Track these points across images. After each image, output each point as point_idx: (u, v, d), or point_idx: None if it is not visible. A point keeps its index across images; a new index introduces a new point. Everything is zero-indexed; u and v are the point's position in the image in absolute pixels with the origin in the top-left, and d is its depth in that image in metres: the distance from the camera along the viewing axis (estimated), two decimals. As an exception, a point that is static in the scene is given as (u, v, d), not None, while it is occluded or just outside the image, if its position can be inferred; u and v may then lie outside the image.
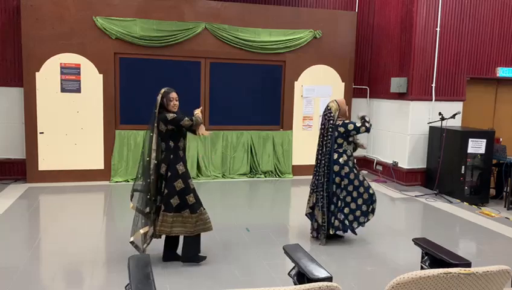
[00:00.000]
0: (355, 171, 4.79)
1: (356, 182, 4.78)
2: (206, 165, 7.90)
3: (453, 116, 7.16)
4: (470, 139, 6.91)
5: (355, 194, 4.78)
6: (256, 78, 8.17)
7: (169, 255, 4.20)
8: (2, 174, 7.30)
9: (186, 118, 3.99)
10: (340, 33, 8.39)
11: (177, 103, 4.07)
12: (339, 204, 4.74)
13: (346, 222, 4.77)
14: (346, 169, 4.72)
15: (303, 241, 4.82)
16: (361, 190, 4.79)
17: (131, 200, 4.11)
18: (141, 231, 4.04)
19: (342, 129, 4.73)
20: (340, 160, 4.72)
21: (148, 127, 4.12)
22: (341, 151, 4.75)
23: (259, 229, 5.26)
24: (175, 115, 3.99)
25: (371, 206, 4.87)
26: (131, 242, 4.07)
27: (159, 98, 4.04)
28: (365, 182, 4.86)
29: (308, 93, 8.33)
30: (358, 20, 8.66)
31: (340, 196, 4.75)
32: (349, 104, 8.47)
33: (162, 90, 4.07)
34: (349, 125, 4.74)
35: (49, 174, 7.19)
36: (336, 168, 4.71)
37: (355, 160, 4.92)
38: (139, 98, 7.51)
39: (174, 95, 4.06)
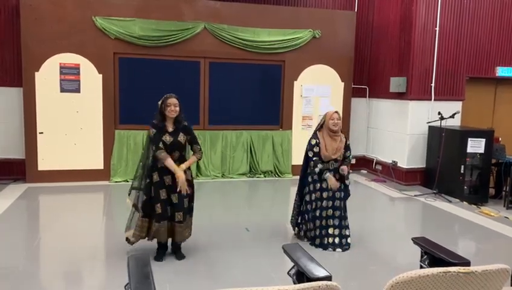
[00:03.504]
0: (323, 196, 4.63)
1: (314, 205, 4.66)
2: (205, 165, 7.90)
3: (452, 116, 7.17)
4: (469, 139, 6.91)
5: (317, 213, 4.68)
6: (255, 78, 8.17)
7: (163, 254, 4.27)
8: (1, 174, 7.28)
9: (158, 152, 4.00)
10: (339, 33, 8.39)
11: (176, 108, 4.03)
12: (302, 208, 4.81)
13: (306, 229, 4.80)
14: (311, 187, 4.69)
15: (302, 240, 4.83)
16: (320, 213, 4.66)
17: (128, 195, 4.27)
18: (126, 234, 4.25)
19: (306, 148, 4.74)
20: (309, 178, 4.71)
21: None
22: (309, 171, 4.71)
23: (259, 229, 5.26)
24: (153, 134, 4.05)
25: (346, 237, 4.73)
26: (127, 239, 4.24)
27: (159, 103, 4.08)
28: (336, 211, 4.67)
29: (307, 93, 8.33)
30: (358, 19, 8.66)
31: (306, 207, 4.78)
32: (348, 103, 8.53)
33: (164, 96, 4.09)
34: (308, 152, 4.67)
35: (48, 174, 7.19)
36: (309, 179, 4.73)
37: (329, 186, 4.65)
38: (138, 98, 7.51)
39: (171, 100, 4.02)
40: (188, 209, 4.22)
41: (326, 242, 4.66)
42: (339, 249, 4.63)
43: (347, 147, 4.75)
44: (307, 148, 4.71)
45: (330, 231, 4.66)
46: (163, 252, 4.25)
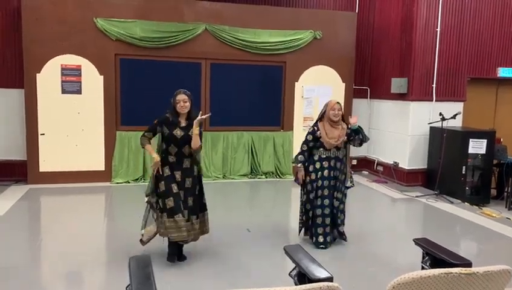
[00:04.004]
0: (318, 185, 4.64)
1: (314, 194, 4.68)
2: (207, 166, 7.90)
3: (454, 117, 7.16)
4: (470, 140, 6.90)
5: (318, 202, 4.68)
6: (256, 79, 8.17)
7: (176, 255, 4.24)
8: (3, 175, 7.30)
9: (145, 142, 4.19)
10: (340, 34, 8.39)
11: (186, 104, 4.06)
12: (302, 201, 4.83)
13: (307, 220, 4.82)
14: (313, 176, 4.68)
15: (304, 241, 4.82)
16: (330, 202, 4.67)
17: (147, 195, 4.21)
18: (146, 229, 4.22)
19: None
20: (310, 167, 4.70)
21: None
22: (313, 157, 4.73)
23: (260, 230, 5.26)
24: (153, 122, 4.15)
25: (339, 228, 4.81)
26: (141, 240, 4.21)
27: (171, 99, 4.11)
28: (336, 195, 4.70)
29: (308, 94, 8.33)
30: (359, 20, 8.66)
31: (303, 198, 4.83)
32: (349, 104, 8.52)
33: (175, 92, 4.13)
34: (306, 137, 4.73)
35: (50, 176, 7.19)
36: (310, 168, 4.72)
37: (333, 173, 4.67)
38: (139, 100, 7.53)
39: (180, 97, 4.06)
40: (191, 209, 4.14)
41: (322, 232, 4.69)
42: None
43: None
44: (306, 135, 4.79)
45: (327, 221, 4.69)
46: (176, 251, 4.17)
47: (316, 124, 4.75)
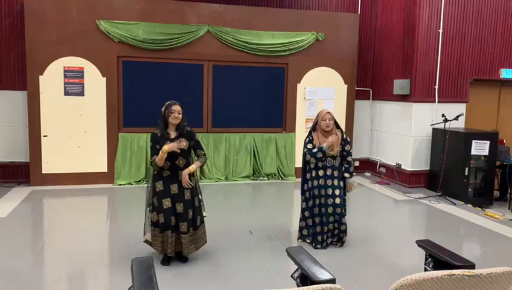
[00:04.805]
0: (315, 193, 4.66)
1: (312, 202, 4.70)
2: (209, 168, 7.90)
3: (456, 118, 7.14)
4: (473, 141, 6.88)
5: (316, 210, 4.71)
6: (258, 80, 8.18)
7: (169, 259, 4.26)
8: (5, 177, 7.33)
9: (154, 158, 3.99)
10: (342, 35, 8.39)
11: (180, 115, 4.05)
12: (302, 208, 4.85)
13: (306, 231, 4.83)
14: (309, 184, 4.69)
15: (306, 243, 4.82)
16: (327, 210, 4.66)
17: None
18: (144, 237, 4.29)
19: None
20: (307, 175, 4.72)
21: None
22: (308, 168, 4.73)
23: (262, 232, 5.25)
24: (151, 147, 4.07)
25: (339, 235, 4.80)
26: (146, 241, 4.27)
27: (163, 109, 4.09)
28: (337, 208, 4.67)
29: (310, 96, 8.33)
30: (361, 22, 8.66)
31: (302, 205, 4.83)
32: (351, 106, 8.52)
33: (167, 103, 4.10)
34: (305, 147, 4.70)
35: (52, 177, 7.21)
36: (307, 176, 4.74)
37: (330, 181, 4.66)
38: (142, 101, 7.54)
39: (175, 108, 4.04)
40: (192, 221, 4.15)
41: (321, 240, 4.71)
42: (332, 246, 4.77)
43: (345, 141, 4.73)
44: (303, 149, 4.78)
45: (330, 227, 4.71)
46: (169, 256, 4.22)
47: (310, 134, 4.75)
